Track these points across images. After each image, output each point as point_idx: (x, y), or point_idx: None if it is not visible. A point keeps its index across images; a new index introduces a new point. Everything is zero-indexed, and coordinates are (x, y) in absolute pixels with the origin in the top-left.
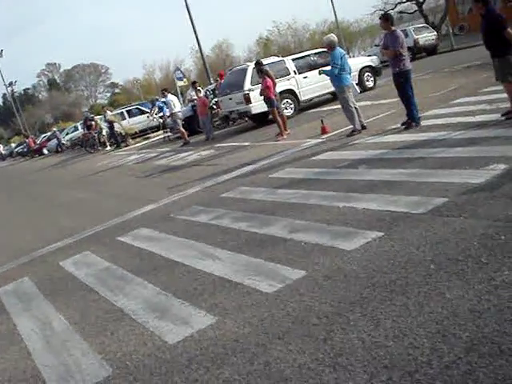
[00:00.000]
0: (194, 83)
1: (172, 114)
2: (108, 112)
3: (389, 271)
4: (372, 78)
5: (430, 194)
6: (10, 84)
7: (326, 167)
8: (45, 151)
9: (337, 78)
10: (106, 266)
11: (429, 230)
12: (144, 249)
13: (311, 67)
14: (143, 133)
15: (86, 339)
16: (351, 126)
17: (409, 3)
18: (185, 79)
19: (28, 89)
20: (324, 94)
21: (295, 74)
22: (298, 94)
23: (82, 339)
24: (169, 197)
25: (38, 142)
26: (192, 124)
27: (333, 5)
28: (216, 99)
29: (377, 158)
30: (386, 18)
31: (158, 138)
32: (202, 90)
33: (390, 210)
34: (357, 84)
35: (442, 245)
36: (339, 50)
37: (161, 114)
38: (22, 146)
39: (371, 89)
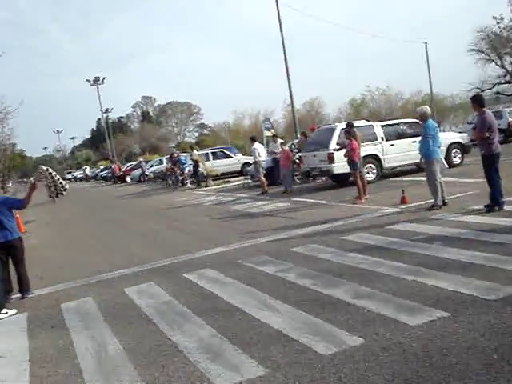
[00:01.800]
0: (274, 136)
1: (255, 162)
2: (195, 151)
3: (449, 354)
4: (460, 155)
5: (503, 282)
6: (106, 111)
7: (401, 238)
8: (128, 179)
9: (427, 149)
10: (167, 300)
11: (497, 318)
12: (207, 289)
13: (399, 136)
14: (224, 176)
15: (137, 368)
16: (432, 200)
17: (507, 85)
18: (272, 130)
19: (122, 117)
20: (408, 165)
21: (382, 140)
22: (383, 161)
23: (133, 367)
24: (239, 242)
25: (123, 169)
26: (272, 175)
27: (430, 76)
28: (300, 154)
29: (454, 236)
30: (474, 100)
31: (237, 183)
32: (287, 144)
33: (459, 292)
34: (444, 159)
35: (509, 335)
36: (432, 122)
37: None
38: (107, 171)
39: (458, 166)
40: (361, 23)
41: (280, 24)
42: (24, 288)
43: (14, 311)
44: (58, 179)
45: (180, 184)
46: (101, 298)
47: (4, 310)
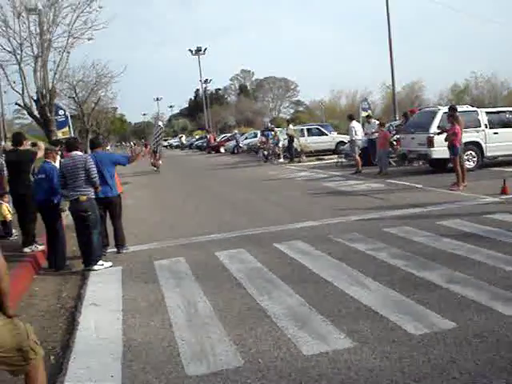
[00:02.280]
0: (368, 117)
1: (352, 141)
2: (290, 126)
3: None
4: None
5: None
6: (206, 81)
7: (500, 227)
8: (222, 150)
9: None
10: (257, 267)
11: None
12: (297, 260)
13: (504, 124)
14: (318, 153)
15: (226, 327)
16: None
17: None
18: (369, 111)
19: (219, 89)
20: (511, 155)
21: (486, 127)
22: (484, 149)
23: (222, 326)
24: (331, 218)
25: (218, 140)
26: (366, 156)
27: None
28: (398, 136)
29: None
30: None
31: (330, 161)
32: (386, 125)
33: None
34: None
35: None
36: None
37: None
38: (202, 141)
39: None
40: (473, 6)
41: (387, 2)
42: (120, 243)
43: (109, 264)
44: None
45: (273, 158)
46: (192, 258)
47: (100, 262)
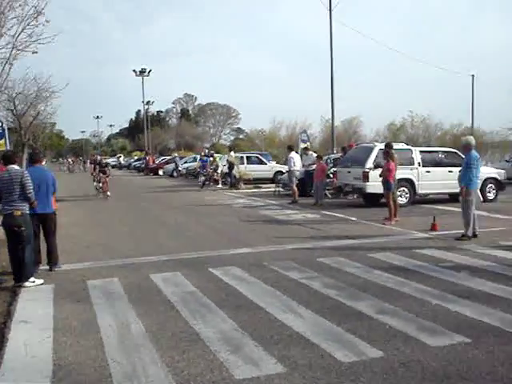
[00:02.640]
0: (305, 149)
1: (290, 171)
2: (232, 153)
3: (467, 377)
4: (494, 191)
5: None
6: (148, 103)
7: (428, 263)
8: (160, 172)
9: (466, 178)
10: (192, 290)
11: None
12: (232, 286)
13: (436, 163)
14: (256, 181)
15: (158, 349)
16: (462, 231)
17: None
18: (308, 143)
19: (161, 112)
20: (441, 193)
21: (419, 165)
22: (417, 186)
23: (155, 348)
24: (266, 246)
25: (157, 162)
26: (303, 186)
27: (472, 110)
28: (334, 169)
29: (481, 268)
30: None
31: (268, 189)
32: (323, 158)
33: (482, 321)
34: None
35: None
36: (475, 153)
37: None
38: (140, 162)
39: (491, 201)
40: (409, 47)
41: (331, 39)
42: (53, 261)
43: (41, 281)
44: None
45: (212, 183)
46: (126, 280)
47: (32, 279)
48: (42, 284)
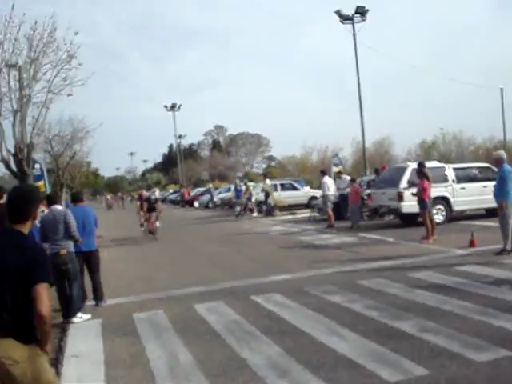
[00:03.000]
0: (339, 173)
1: (324, 196)
2: (267, 181)
3: None
4: None
5: None
6: (180, 137)
7: (468, 279)
8: (196, 204)
9: (502, 192)
10: (236, 319)
11: None
12: (275, 312)
13: (470, 179)
14: (291, 207)
15: (208, 377)
16: (501, 246)
17: None
18: (340, 166)
19: (193, 144)
20: (478, 209)
21: (453, 182)
22: (452, 203)
23: (204, 376)
24: (305, 271)
25: (192, 194)
26: (338, 210)
27: (504, 123)
28: (369, 191)
29: None
30: None
31: (303, 215)
32: (357, 180)
33: None
34: None
35: None
36: (508, 166)
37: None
38: (176, 195)
39: None
40: (437, 65)
41: (356, 62)
42: (98, 296)
43: (88, 316)
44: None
45: (247, 212)
46: (171, 311)
47: (79, 315)
48: (89, 319)
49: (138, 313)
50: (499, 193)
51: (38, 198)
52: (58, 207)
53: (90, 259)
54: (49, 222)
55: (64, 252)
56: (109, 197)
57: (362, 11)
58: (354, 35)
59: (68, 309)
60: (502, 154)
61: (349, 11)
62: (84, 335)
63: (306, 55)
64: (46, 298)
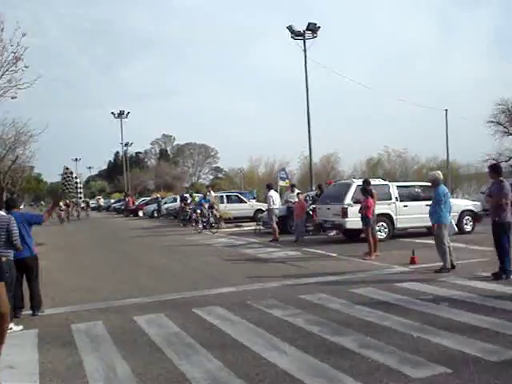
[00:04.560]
0: (292, 186)
1: (269, 210)
2: (212, 193)
3: None
4: (471, 223)
5: (506, 346)
6: (126, 144)
7: (408, 296)
8: (140, 213)
9: (436, 214)
10: (176, 331)
11: (498, 379)
12: (216, 325)
13: (413, 198)
14: (236, 220)
15: None
16: (441, 263)
17: None
18: (287, 180)
19: (140, 153)
20: (420, 227)
21: (396, 200)
22: (395, 221)
23: None
24: (249, 284)
25: (137, 203)
26: (285, 224)
27: (447, 144)
28: (314, 206)
29: (460, 299)
30: (494, 168)
31: (249, 228)
32: (302, 195)
33: (462, 351)
34: (456, 224)
35: None
36: (443, 188)
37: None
38: (120, 203)
39: (468, 233)
40: (383, 84)
41: (306, 78)
42: (36, 305)
43: (20, 327)
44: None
45: (193, 223)
46: (110, 322)
47: (9, 325)
48: (20, 330)
49: (76, 323)
50: (433, 214)
51: None
52: (2, 213)
53: (27, 266)
54: None
55: (4, 260)
56: (62, 205)
57: (313, 28)
58: (305, 51)
59: None
60: (438, 174)
61: (300, 27)
62: (19, 345)
63: (256, 68)
64: (4, 296)
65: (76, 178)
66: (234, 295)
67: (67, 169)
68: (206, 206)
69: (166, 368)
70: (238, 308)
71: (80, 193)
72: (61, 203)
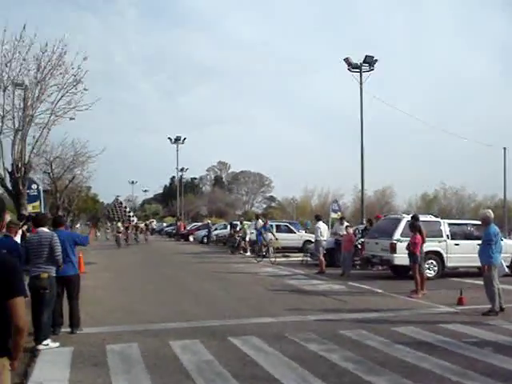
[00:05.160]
0: (341, 218)
1: (316, 241)
2: (260, 221)
3: None
4: None
5: None
6: (181, 170)
7: (452, 338)
8: (191, 238)
9: (485, 254)
10: (209, 359)
11: None
12: (249, 356)
13: (466, 236)
14: (285, 250)
15: None
16: (489, 306)
17: None
18: (339, 212)
19: (195, 178)
20: (472, 267)
21: (448, 238)
22: (445, 259)
23: None
24: (288, 316)
25: (188, 228)
26: (332, 256)
27: (505, 182)
28: (362, 240)
29: (506, 344)
30: None
31: (296, 258)
32: (351, 228)
33: None
34: (508, 266)
35: None
36: (494, 227)
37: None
38: (172, 227)
39: None
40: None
41: (361, 111)
42: (74, 323)
43: (56, 344)
44: (127, 211)
45: (241, 251)
46: (145, 345)
47: (45, 342)
48: (57, 347)
49: (111, 344)
50: (483, 255)
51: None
52: (45, 230)
53: (69, 284)
54: (34, 244)
55: (45, 276)
56: (121, 225)
57: (370, 61)
58: (361, 84)
59: (36, 333)
60: (489, 213)
61: (357, 59)
62: (52, 362)
63: (313, 99)
64: (22, 310)
65: (125, 207)
66: (272, 326)
67: (117, 199)
68: (268, 234)
69: None
70: (275, 339)
71: (130, 217)
72: (119, 225)
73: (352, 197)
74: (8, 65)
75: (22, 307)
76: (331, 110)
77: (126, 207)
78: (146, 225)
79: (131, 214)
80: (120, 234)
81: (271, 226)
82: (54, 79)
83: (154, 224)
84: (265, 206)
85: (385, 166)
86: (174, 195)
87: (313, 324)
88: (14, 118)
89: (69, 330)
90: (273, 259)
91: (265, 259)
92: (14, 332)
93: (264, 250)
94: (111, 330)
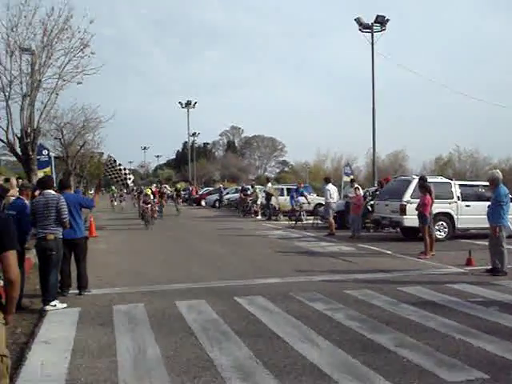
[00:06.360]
0: (352, 181)
1: (326, 203)
2: (269, 184)
3: None
4: None
5: None
6: (193, 135)
7: (458, 297)
8: (203, 203)
9: (495, 214)
10: (214, 318)
11: None
12: (254, 315)
13: (477, 198)
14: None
15: (170, 374)
16: (498, 266)
17: None
18: (352, 176)
19: (207, 144)
20: (482, 228)
21: (458, 199)
22: (455, 220)
23: (167, 373)
24: (295, 277)
25: (200, 192)
26: (342, 219)
27: None
28: (372, 202)
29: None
30: None
31: (307, 222)
32: (361, 190)
33: (504, 357)
34: None
35: None
36: (504, 188)
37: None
38: (184, 192)
39: None
40: (454, 81)
41: (373, 73)
42: (82, 285)
43: (63, 305)
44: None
45: (252, 214)
46: (151, 306)
47: (53, 303)
48: (64, 308)
49: (118, 304)
50: (493, 216)
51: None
52: (52, 192)
53: (75, 247)
54: (40, 206)
55: (51, 237)
56: (115, 188)
57: (381, 21)
58: (373, 44)
59: (44, 294)
60: (498, 173)
61: (369, 20)
62: (59, 322)
63: (325, 62)
64: (15, 264)
65: (120, 164)
66: (279, 286)
67: (110, 157)
68: (300, 198)
69: (196, 353)
70: (280, 299)
71: (128, 178)
72: (149, 193)
73: (366, 160)
74: (14, 29)
75: (14, 260)
76: (347, 73)
77: (120, 164)
78: (176, 190)
79: (127, 171)
80: (148, 207)
81: (282, 189)
82: (61, 43)
83: (167, 189)
84: (278, 170)
85: (398, 128)
86: (187, 160)
87: (319, 284)
88: (21, 83)
89: (77, 291)
90: (300, 223)
91: (298, 223)
92: (7, 285)
93: (297, 214)
94: (119, 291)
